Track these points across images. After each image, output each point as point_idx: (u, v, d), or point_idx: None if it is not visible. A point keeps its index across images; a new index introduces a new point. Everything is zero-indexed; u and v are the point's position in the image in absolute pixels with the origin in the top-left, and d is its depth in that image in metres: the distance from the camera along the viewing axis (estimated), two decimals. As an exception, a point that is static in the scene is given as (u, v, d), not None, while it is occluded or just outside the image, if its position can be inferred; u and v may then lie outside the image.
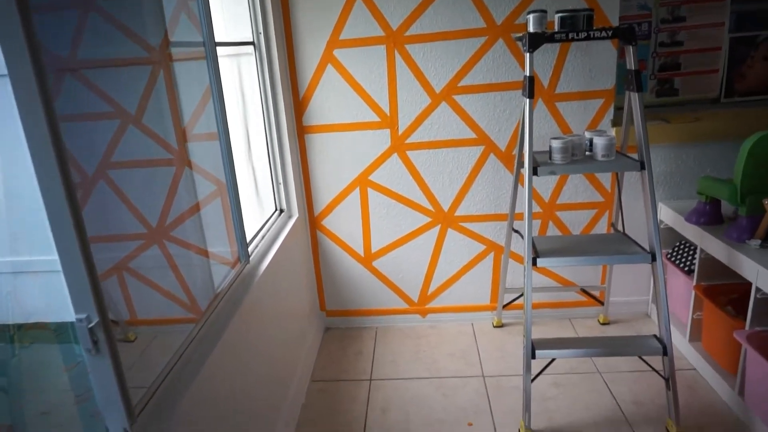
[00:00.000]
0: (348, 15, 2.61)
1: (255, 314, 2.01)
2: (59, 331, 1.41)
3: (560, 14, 2.16)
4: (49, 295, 1.62)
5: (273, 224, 2.60)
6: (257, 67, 2.54)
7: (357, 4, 2.59)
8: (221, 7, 2.57)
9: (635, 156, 2.25)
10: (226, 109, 1.97)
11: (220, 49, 2.00)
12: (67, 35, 1.23)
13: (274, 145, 2.66)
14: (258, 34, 2.50)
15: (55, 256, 1.11)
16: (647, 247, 2.22)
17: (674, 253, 2.73)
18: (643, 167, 2.16)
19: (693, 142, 2.74)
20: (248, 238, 2.34)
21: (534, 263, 2.19)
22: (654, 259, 2.15)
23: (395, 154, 2.81)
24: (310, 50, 2.68)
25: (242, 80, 2.59)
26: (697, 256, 2.47)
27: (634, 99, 2.17)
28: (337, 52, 2.67)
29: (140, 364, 1.40)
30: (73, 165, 1.18)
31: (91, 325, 1.09)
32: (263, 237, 2.44)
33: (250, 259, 2.18)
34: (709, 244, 2.36)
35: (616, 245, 2.29)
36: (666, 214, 2.74)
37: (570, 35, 2.12)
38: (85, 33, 1.28)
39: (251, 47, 2.50)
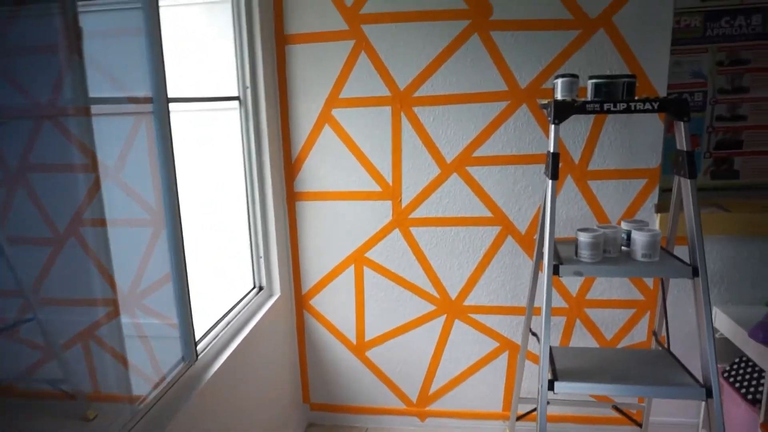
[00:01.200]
0: (350, 71, 2.30)
1: (219, 400, 1.64)
2: None
3: (595, 81, 1.78)
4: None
5: (248, 304, 2.23)
6: (242, 124, 2.23)
7: (361, 58, 2.28)
8: (212, 58, 2.32)
9: (683, 253, 1.80)
10: (176, 180, 1.65)
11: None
12: (49, 79, 1.17)
13: (256, 213, 2.32)
14: (245, 88, 2.20)
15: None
16: (699, 375, 1.72)
17: (733, 372, 2.20)
18: (696, 273, 1.70)
19: (758, 236, 2.25)
20: (213, 322, 1.99)
21: (551, 386, 1.73)
22: (710, 395, 1.66)
23: (397, 230, 2.42)
24: (306, 108, 2.37)
25: (223, 137, 2.30)
26: (765, 384, 1.94)
27: (685, 186, 1.74)
28: (336, 112, 2.35)
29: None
30: (43, 218, 1.15)
31: None
32: (230, 322, 2.07)
33: (207, 349, 1.80)
34: (782, 373, 1.84)
35: (659, 369, 1.80)
36: (722, 322, 2.23)
37: (606, 106, 1.72)
38: (67, 77, 1.23)
39: (236, 103, 2.21)
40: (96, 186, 1.32)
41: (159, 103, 1.55)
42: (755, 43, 2.25)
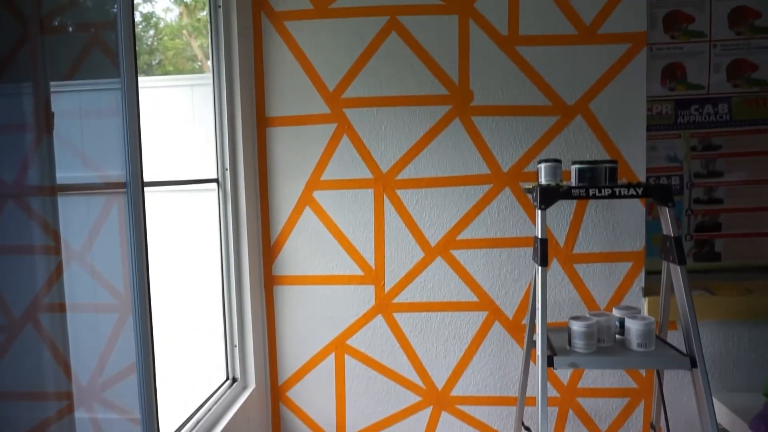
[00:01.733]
0: (332, 153, 2.29)
1: None
2: None
3: (578, 166, 1.78)
4: None
5: (220, 398, 2.06)
6: (219, 206, 2.16)
7: (343, 141, 2.28)
8: (193, 139, 2.28)
9: (677, 337, 1.74)
10: (148, 257, 1.55)
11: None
12: (16, 159, 1.12)
13: (231, 298, 2.20)
14: (224, 170, 2.15)
15: None
16: (707, 475, 1.61)
17: (735, 466, 2.08)
18: (694, 364, 1.63)
19: (746, 319, 2.22)
20: (184, 419, 1.82)
21: (551, 492, 1.59)
22: (721, 498, 1.54)
23: (380, 316, 2.32)
24: (287, 190, 2.32)
25: (199, 219, 2.22)
26: (771, 480, 1.84)
27: (675, 272, 1.71)
28: (317, 194, 2.31)
29: None
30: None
31: None
32: (202, 417, 1.89)
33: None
34: (790, 469, 1.74)
35: (663, 469, 1.69)
36: (719, 412, 2.14)
37: (591, 191, 1.71)
38: (36, 156, 1.18)
39: (214, 184, 2.15)
40: (59, 269, 1.23)
41: (133, 186, 1.47)
42: (724, 130, 2.33)
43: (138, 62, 1.51)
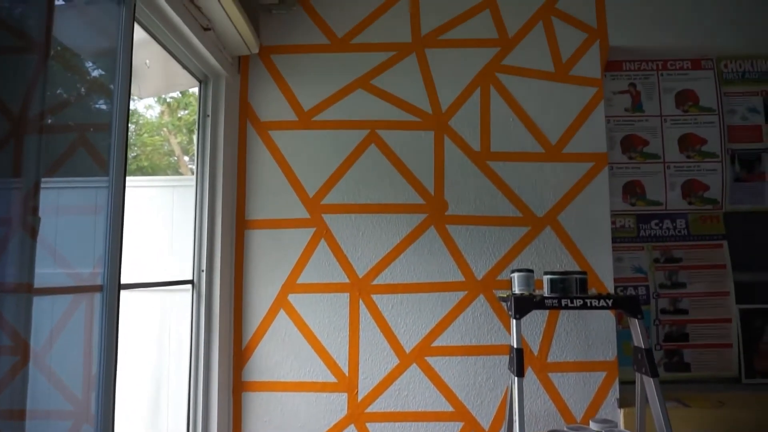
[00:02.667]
0: (309, 257, 2.31)
1: None
2: None
3: (550, 276, 1.85)
4: None
5: None
6: (192, 307, 2.13)
7: (320, 245, 2.31)
8: (171, 239, 2.29)
9: (659, 460, 1.71)
10: (116, 361, 1.49)
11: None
12: None
13: (197, 404, 2.09)
14: (200, 271, 2.15)
15: None
16: None
17: None
18: (674, 483, 1.60)
19: (720, 433, 2.21)
20: None
21: None
22: None
23: (352, 426, 2.23)
24: (262, 293, 2.31)
25: (169, 319, 2.17)
26: None
27: (648, 384, 1.73)
28: (292, 297, 2.30)
29: None
30: None
31: None
32: None
33: None
34: None
35: None
36: None
37: (563, 302, 1.77)
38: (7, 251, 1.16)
39: (189, 285, 2.13)
40: (15, 370, 1.18)
41: (110, 289, 1.45)
42: (683, 244, 2.46)
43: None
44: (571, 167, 2.33)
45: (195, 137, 2.21)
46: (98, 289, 1.44)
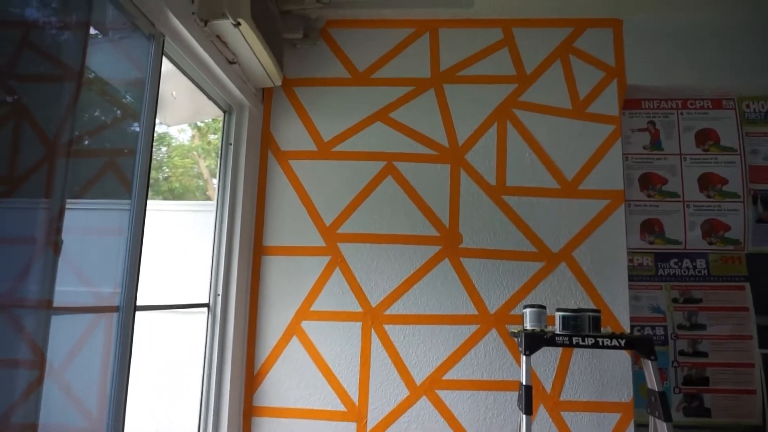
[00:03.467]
0: (324, 285, 2.34)
1: None
2: None
3: (562, 313, 1.83)
4: None
5: None
6: (207, 330, 2.17)
7: (335, 274, 2.34)
8: (190, 263, 2.35)
9: None
10: (128, 380, 1.53)
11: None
12: (14, 270, 1.15)
13: (207, 427, 2.11)
14: (216, 295, 2.19)
15: None
16: None
17: None
18: None
19: (741, 483, 2.12)
20: None
21: None
22: None
23: (360, 457, 2.22)
24: (276, 318, 2.34)
25: (184, 341, 2.21)
26: None
27: (661, 429, 1.68)
28: (305, 324, 2.32)
29: None
30: None
31: None
32: None
33: None
34: None
35: None
36: None
37: (575, 340, 1.75)
38: (32, 269, 1.21)
39: (204, 308, 2.17)
40: (35, 385, 1.22)
41: (126, 310, 1.50)
42: (703, 285, 2.42)
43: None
44: (588, 204, 2.32)
45: (218, 165, 2.29)
46: (114, 309, 1.49)
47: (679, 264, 2.45)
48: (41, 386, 1.26)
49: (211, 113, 2.33)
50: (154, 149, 1.63)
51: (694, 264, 2.44)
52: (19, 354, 1.19)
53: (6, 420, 1.15)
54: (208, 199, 4.23)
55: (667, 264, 2.45)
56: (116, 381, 1.51)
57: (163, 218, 2.54)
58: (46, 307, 1.27)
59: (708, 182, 2.49)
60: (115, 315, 1.50)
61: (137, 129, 1.57)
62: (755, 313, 2.38)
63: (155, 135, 1.65)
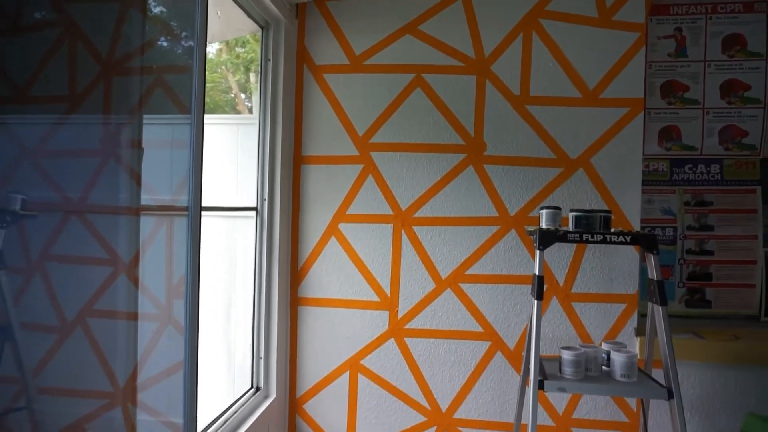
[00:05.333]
0: (358, 191, 2.57)
1: None
2: None
3: (575, 213, 2.03)
4: None
5: (245, 404, 2.29)
6: (256, 232, 2.45)
7: (368, 180, 2.56)
8: (236, 172, 2.59)
9: (661, 375, 1.93)
10: (200, 273, 1.81)
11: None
12: (83, 180, 1.27)
13: (260, 315, 2.45)
14: (263, 200, 2.45)
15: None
16: (681, 499, 1.79)
17: (718, 502, 2.23)
18: (671, 395, 1.82)
19: (733, 363, 2.38)
20: (211, 419, 2.05)
21: (537, 503, 1.77)
22: None
23: (392, 340, 2.55)
24: (315, 221, 2.60)
25: (237, 241, 2.50)
26: None
27: (657, 312, 1.92)
28: (342, 226, 2.58)
29: None
30: (54, 307, 1.19)
31: None
32: (228, 419, 2.12)
33: (200, 451, 1.85)
34: (761, 502, 1.89)
35: (641, 490, 1.86)
36: (705, 449, 2.30)
37: (584, 236, 1.96)
38: (100, 179, 1.34)
39: (253, 212, 2.44)
40: (111, 279, 1.40)
41: (194, 210, 1.76)
42: (716, 188, 2.55)
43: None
44: (608, 112, 2.43)
45: (258, 80, 2.46)
46: (184, 209, 1.74)
47: (694, 169, 2.57)
48: (115, 281, 1.50)
49: (247, 29, 2.45)
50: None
51: (708, 169, 2.57)
52: (96, 253, 1.35)
53: (89, 307, 1.35)
54: (238, 113, 4.40)
55: (682, 169, 2.58)
56: (190, 273, 1.77)
57: (208, 131, 2.75)
58: (114, 212, 1.42)
59: (730, 89, 2.55)
60: (184, 216, 1.74)
61: (192, 44, 1.73)
62: (763, 214, 2.53)
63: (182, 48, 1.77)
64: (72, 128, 1.27)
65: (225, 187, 2.73)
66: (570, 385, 1.87)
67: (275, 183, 2.47)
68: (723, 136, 2.56)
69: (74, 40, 1.27)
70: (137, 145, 1.54)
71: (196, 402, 1.80)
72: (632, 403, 2.41)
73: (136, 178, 1.53)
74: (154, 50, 1.65)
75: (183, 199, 1.76)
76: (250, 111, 3.45)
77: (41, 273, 1.16)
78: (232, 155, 2.75)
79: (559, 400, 2.45)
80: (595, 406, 2.43)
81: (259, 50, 2.46)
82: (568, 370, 1.90)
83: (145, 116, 1.59)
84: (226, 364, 2.53)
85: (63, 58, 1.24)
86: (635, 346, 2.39)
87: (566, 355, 1.90)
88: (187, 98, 1.75)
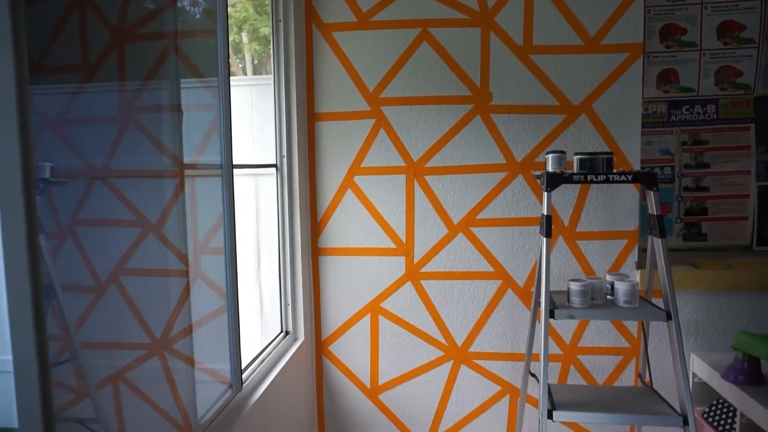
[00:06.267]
0: (371, 144, 2.69)
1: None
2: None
3: (579, 156, 2.16)
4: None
5: (276, 347, 2.49)
6: (277, 187, 2.59)
7: (380, 134, 2.68)
8: (252, 131, 2.71)
9: (661, 303, 2.11)
10: (236, 229, 1.97)
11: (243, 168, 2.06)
12: (105, 146, 1.31)
13: (286, 265, 2.62)
14: (282, 157, 2.57)
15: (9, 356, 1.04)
16: (678, 407, 2.00)
17: (711, 413, 2.45)
18: (669, 317, 2.01)
19: (726, 290, 2.57)
20: (248, 361, 2.24)
21: (550, 416, 1.99)
22: (686, 422, 1.93)
23: (409, 282, 2.73)
24: (332, 175, 2.74)
25: (261, 198, 2.64)
26: (737, 420, 2.21)
27: (657, 244, 2.08)
28: (357, 179, 2.72)
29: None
30: (88, 268, 1.24)
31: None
32: (263, 360, 2.32)
33: (245, 385, 2.05)
34: (750, 407, 2.11)
35: (642, 402, 2.07)
36: (700, 368, 2.51)
37: (588, 177, 2.10)
38: (121, 145, 1.37)
39: (273, 169, 2.57)
40: (139, 239, 1.45)
41: (226, 168, 1.89)
42: (711, 128, 2.68)
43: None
44: (608, 58, 2.53)
45: (271, 42, 2.54)
46: (218, 167, 1.87)
47: (691, 110, 2.69)
48: (144, 240, 1.61)
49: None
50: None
51: (704, 109, 2.69)
52: (123, 215, 1.40)
53: (121, 266, 1.41)
54: (232, 74, 4.42)
55: (679, 111, 2.70)
56: (227, 228, 1.92)
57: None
58: (138, 175, 1.46)
59: (726, 30, 2.64)
60: (219, 176, 1.87)
61: (213, 7, 1.82)
62: (756, 150, 2.66)
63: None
64: (91, 96, 1.29)
65: (242, 148, 2.85)
66: (578, 312, 2.05)
67: (292, 140, 2.59)
68: (719, 77, 2.67)
69: (89, 9, 1.28)
70: (176, 109, 1.65)
71: (239, 345, 1.99)
72: (633, 329, 2.61)
73: (156, 143, 1.56)
74: (179, 14, 1.72)
75: (205, 160, 1.83)
76: (244, 72, 3.51)
77: (73, 237, 1.21)
78: (246, 116, 2.85)
79: (565, 330, 2.65)
80: (599, 334, 2.64)
81: (269, 11, 2.53)
82: (576, 300, 2.08)
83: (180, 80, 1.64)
84: (259, 311, 2.71)
85: (93, 25, 1.28)
86: (636, 278, 2.58)
87: (574, 286, 2.08)
88: (211, 61, 1.85)
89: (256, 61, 3.88)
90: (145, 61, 1.49)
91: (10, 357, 1.04)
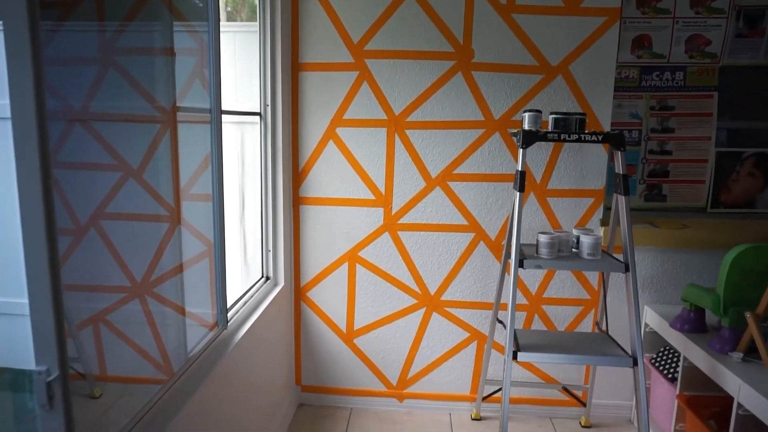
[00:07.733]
0: (354, 96, 2.74)
1: (226, 381, 1.95)
2: (17, 380, 1.36)
3: (554, 115, 2.27)
4: (14, 339, 1.57)
5: (257, 291, 2.58)
6: (261, 136, 2.62)
7: (363, 87, 2.72)
8: (234, 78, 2.71)
9: (621, 257, 2.28)
10: (224, 175, 2.02)
11: (227, 116, 2.09)
12: (84, 88, 1.30)
13: (267, 213, 2.69)
14: (266, 106, 2.60)
15: (26, 300, 1.09)
16: (630, 351, 2.19)
17: (658, 359, 2.69)
18: (627, 269, 2.18)
19: (680, 248, 2.77)
20: (230, 303, 2.32)
21: (514, 357, 2.16)
22: (635, 363, 2.12)
23: (387, 233, 2.84)
24: (314, 125, 2.78)
25: (244, 147, 2.68)
26: (680, 364, 2.43)
27: (621, 201, 2.23)
28: (339, 130, 2.77)
29: (101, 423, 1.35)
30: (67, 211, 1.23)
31: (49, 379, 1.06)
32: (245, 303, 2.42)
33: (229, 324, 2.14)
34: (693, 352, 2.33)
35: (598, 346, 2.26)
36: (651, 318, 2.73)
37: (562, 136, 2.21)
38: (101, 87, 1.35)
39: (257, 117, 2.60)
40: (120, 184, 1.45)
41: (215, 113, 1.93)
42: (678, 94, 2.82)
43: None
44: (586, 21, 2.61)
45: (256, -13, 2.52)
46: (207, 112, 1.91)
47: (660, 76, 2.82)
48: (125, 184, 1.63)
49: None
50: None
51: (673, 76, 2.81)
52: (104, 159, 1.38)
53: (102, 209, 1.41)
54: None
55: (650, 76, 2.82)
56: (215, 171, 1.96)
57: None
58: (123, 119, 1.45)
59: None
60: (208, 122, 1.91)
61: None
62: (717, 118, 2.82)
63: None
64: (73, 35, 1.26)
65: (226, 95, 2.84)
66: (545, 262, 2.20)
67: (276, 89, 2.61)
68: (689, 45, 2.78)
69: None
70: (170, 53, 1.67)
71: (225, 287, 2.08)
72: (594, 282, 2.80)
73: (136, 86, 1.53)
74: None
75: (188, 105, 1.81)
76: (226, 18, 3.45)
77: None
78: (230, 64, 2.84)
79: (532, 281, 2.82)
80: (563, 286, 2.82)
81: (255, -44, 2.51)
82: (543, 251, 2.22)
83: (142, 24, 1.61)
84: (242, 256, 2.78)
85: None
86: (600, 234, 2.74)
87: (542, 238, 2.22)
88: (204, 5, 1.86)
89: (229, 8, 3.80)
90: (128, 2, 1.49)
91: (25, 300, 1.09)
